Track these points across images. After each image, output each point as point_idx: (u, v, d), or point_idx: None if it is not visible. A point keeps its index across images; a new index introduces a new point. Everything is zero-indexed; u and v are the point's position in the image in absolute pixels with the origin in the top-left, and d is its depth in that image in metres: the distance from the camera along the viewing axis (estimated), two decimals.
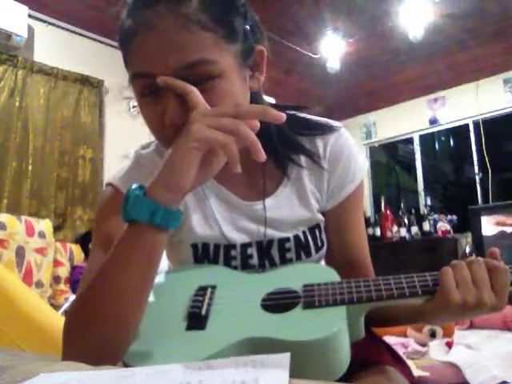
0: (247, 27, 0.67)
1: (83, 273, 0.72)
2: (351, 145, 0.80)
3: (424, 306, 0.64)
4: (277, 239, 0.77)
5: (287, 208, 0.77)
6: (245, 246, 0.77)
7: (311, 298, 0.62)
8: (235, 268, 0.76)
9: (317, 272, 0.72)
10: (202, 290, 0.69)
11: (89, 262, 0.72)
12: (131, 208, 0.56)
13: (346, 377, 0.60)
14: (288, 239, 0.77)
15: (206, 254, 0.77)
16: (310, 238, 0.78)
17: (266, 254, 0.77)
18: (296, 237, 0.77)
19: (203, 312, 0.65)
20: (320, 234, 0.79)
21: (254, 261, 0.76)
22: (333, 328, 0.57)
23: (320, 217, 0.79)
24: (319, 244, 0.78)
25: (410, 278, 0.63)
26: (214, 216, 0.77)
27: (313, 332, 0.57)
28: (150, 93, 0.62)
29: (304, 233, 0.78)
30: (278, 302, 0.64)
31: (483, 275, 0.60)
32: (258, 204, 0.77)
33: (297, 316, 0.61)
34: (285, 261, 0.77)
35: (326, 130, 0.79)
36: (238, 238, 0.77)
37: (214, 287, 0.70)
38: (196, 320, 0.64)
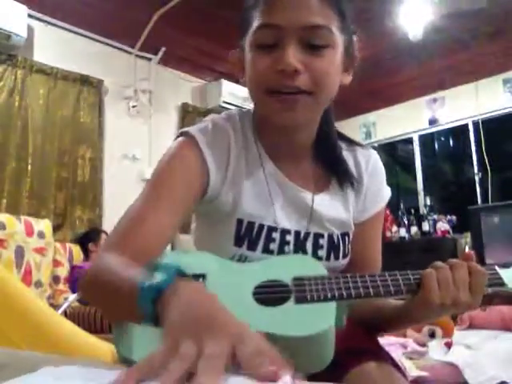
0: (352, 28, 0.76)
1: (126, 212, 0.71)
2: (383, 167, 0.88)
3: (408, 304, 0.72)
4: (313, 233, 0.80)
5: (331, 207, 0.81)
6: (284, 232, 0.79)
7: (303, 293, 0.65)
8: (272, 252, 0.77)
9: (303, 264, 0.74)
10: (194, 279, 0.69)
11: (137, 202, 0.71)
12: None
13: (340, 369, 0.66)
14: (322, 235, 0.80)
15: (248, 232, 0.77)
16: (341, 242, 0.81)
17: (301, 245, 0.79)
18: (330, 236, 0.80)
19: None
20: (348, 242, 0.82)
21: (290, 248, 0.78)
22: (325, 324, 0.61)
23: (352, 226, 0.83)
24: (346, 251, 0.82)
25: (394, 276, 0.69)
26: (269, 196, 0.78)
27: (307, 328, 0.61)
28: (266, 46, 0.69)
29: (337, 235, 0.81)
30: (269, 296, 0.66)
31: (464, 276, 0.67)
32: (308, 195, 0.80)
33: (290, 311, 0.64)
34: (315, 257, 0.79)
35: (363, 145, 0.88)
36: (285, 222, 0.79)
37: (203, 276, 0.70)
38: None
